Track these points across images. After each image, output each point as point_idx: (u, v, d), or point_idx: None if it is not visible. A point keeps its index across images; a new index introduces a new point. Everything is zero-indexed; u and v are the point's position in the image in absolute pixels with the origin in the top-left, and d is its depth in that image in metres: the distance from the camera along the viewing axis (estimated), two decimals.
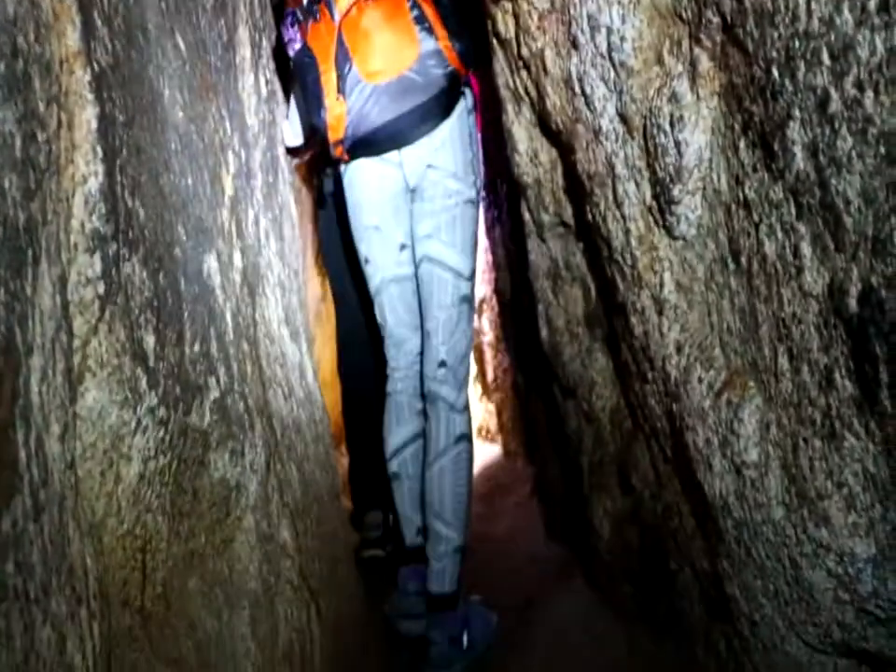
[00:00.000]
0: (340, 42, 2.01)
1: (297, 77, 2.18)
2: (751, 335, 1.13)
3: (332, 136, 2.06)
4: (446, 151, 2.02)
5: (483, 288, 3.81)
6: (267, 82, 2.26)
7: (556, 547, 2.59)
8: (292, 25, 2.16)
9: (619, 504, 1.83)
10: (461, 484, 2.08)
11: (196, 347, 1.38)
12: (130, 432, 1.13)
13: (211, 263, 1.52)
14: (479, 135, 2.15)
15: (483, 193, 3.22)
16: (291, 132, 2.42)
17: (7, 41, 0.83)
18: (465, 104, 2.08)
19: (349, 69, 2.01)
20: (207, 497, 1.36)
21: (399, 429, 2.23)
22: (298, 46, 2.13)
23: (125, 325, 1.13)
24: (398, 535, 2.32)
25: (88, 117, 1.05)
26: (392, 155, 2.05)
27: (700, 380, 1.24)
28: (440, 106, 2.00)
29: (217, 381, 1.45)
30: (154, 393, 1.19)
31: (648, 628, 1.81)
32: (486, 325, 3.94)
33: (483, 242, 3.55)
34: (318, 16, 2.05)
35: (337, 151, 2.09)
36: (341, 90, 2.02)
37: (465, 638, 2.08)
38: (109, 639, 1.02)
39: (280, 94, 2.46)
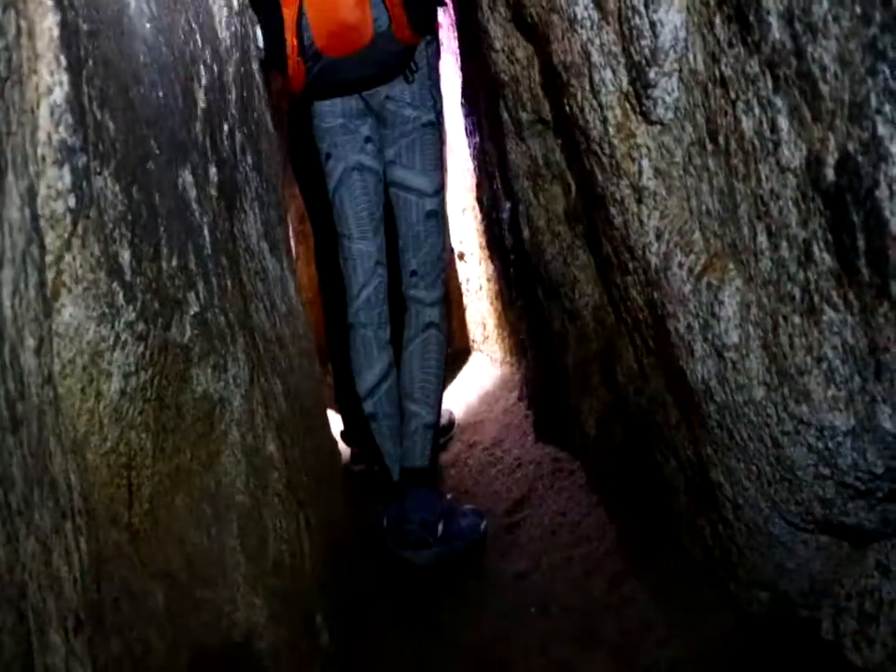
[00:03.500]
0: (301, 12, 2.10)
1: (261, 17, 2.22)
2: (730, 216, 1.12)
3: (294, 86, 2.21)
4: (402, 84, 2.15)
5: (466, 198, 3.76)
6: None
7: (544, 449, 2.60)
8: None
9: (604, 401, 1.85)
10: (428, 365, 2.25)
11: (174, 262, 1.36)
12: (109, 348, 1.12)
13: (186, 177, 1.49)
14: (439, 62, 2.27)
15: (462, 107, 3.17)
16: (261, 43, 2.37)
17: None
18: (422, 41, 2.14)
19: (307, 38, 2.14)
20: (191, 412, 1.35)
21: (369, 370, 2.27)
22: None
23: (99, 239, 1.11)
24: (383, 474, 2.30)
25: (49, 25, 1.02)
26: None
27: (680, 265, 1.23)
28: (392, 72, 2.14)
29: (197, 295, 1.44)
30: (132, 308, 1.18)
31: (635, 521, 1.85)
32: (469, 234, 3.90)
33: (464, 151, 3.50)
34: None
35: (298, 94, 2.25)
36: (300, 53, 2.17)
37: (440, 528, 2.14)
38: (98, 556, 1.03)
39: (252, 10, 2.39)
